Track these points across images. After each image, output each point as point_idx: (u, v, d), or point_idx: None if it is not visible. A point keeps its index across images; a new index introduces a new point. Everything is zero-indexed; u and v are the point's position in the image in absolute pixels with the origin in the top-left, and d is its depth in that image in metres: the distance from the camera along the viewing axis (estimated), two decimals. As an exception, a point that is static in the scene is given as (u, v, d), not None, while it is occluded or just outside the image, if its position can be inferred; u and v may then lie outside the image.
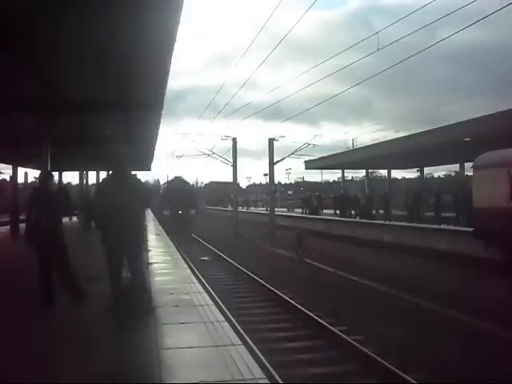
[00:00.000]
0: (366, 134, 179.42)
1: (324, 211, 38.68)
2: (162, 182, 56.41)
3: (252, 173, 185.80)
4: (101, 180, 24.22)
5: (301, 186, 72.78)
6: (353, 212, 32.30)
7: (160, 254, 12.66)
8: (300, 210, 41.36)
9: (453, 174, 51.57)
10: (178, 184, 34.23)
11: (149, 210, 42.21)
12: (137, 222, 6.28)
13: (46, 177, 7.20)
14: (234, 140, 31.34)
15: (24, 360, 4.37)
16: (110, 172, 6.61)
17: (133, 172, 6.87)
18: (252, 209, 58.30)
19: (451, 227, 20.53)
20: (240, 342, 4.76)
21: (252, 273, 14.24)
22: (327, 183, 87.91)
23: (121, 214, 5.86)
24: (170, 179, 39.23)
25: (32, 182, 51.40)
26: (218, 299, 9.73)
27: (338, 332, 7.99)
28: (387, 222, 26.30)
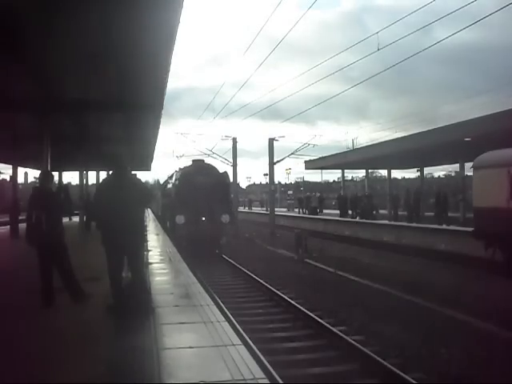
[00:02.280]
0: (365, 134, 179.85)
1: (326, 211, 38.69)
2: (161, 182, 38.14)
3: (252, 173, 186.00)
4: (101, 180, 24.21)
5: (301, 186, 72.79)
6: (350, 212, 32.34)
7: (159, 254, 12.67)
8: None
9: (453, 174, 51.55)
10: (200, 172, 19.41)
11: (149, 210, 42.14)
12: (137, 221, 6.28)
13: (45, 177, 7.20)
14: (234, 140, 31.32)
15: (24, 359, 4.37)
16: (111, 172, 6.61)
17: (133, 172, 6.87)
18: (257, 209, 58.12)
19: (451, 227, 20.52)
20: (240, 342, 4.76)
21: (252, 273, 14.23)
22: (327, 183, 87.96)
23: (121, 213, 5.86)
24: (186, 165, 21.82)
25: (32, 182, 51.59)
26: (218, 299, 9.73)
27: (338, 332, 7.98)
28: (387, 222, 26.31)
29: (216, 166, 20.94)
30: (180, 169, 21.64)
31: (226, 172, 20.57)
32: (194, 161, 21.04)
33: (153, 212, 40.65)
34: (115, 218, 5.88)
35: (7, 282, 8.19)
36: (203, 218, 18.07)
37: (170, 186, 22.97)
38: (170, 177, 24.83)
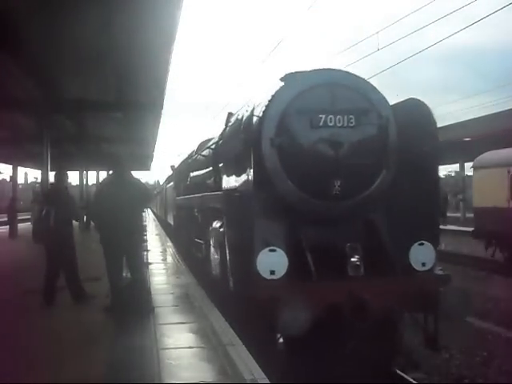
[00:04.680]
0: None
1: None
2: (161, 182, 31.51)
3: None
4: (101, 180, 24.15)
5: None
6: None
7: (160, 254, 12.67)
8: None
9: (453, 174, 51.54)
10: (335, 101, 5.11)
11: (148, 210, 41.99)
12: (136, 221, 6.27)
13: (61, 175, 7.15)
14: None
15: (25, 359, 4.36)
16: (110, 172, 6.61)
17: (132, 172, 6.86)
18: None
19: (451, 227, 20.53)
20: (240, 343, 4.75)
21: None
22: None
23: (120, 213, 5.84)
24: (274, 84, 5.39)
25: (32, 182, 51.55)
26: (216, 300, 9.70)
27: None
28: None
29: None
30: (229, 115, 6.94)
31: (420, 103, 5.50)
32: (288, 75, 5.38)
33: (154, 213, 40.33)
34: (114, 217, 5.86)
35: (7, 282, 8.17)
36: (356, 262, 4.98)
37: (207, 168, 8.33)
38: (202, 146, 10.30)
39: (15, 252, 13.32)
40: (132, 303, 5.87)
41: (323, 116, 5.02)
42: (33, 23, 7.69)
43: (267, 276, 4.58)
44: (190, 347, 4.61)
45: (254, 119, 5.03)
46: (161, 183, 33.63)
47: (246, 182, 4.97)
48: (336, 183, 5.04)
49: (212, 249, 6.35)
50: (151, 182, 61.62)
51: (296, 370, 4.66)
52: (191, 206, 9.49)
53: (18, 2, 6.98)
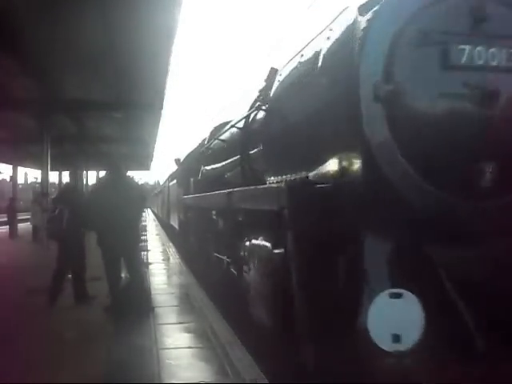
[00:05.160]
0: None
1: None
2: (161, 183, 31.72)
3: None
4: (96, 180, 24.14)
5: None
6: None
7: (160, 254, 12.66)
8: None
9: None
10: None
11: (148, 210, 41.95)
12: (132, 222, 6.22)
13: (73, 175, 7.19)
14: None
15: (25, 358, 4.36)
16: (106, 172, 6.59)
17: (129, 172, 6.88)
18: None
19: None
20: (239, 342, 4.75)
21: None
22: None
23: (116, 214, 5.81)
24: None
25: (32, 182, 51.54)
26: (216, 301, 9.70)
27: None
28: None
29: None
30: None
31: None
32: None
33: (154, 213, 40.21)
34: (110, 218, 5.83)
35: (8, 282, 8.18)
36: None
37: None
38: (217, 131, 8.16)
39: (15, 252, 13.32)
40: (132, 303, 5.86)
41: (466, 48, 2.83)
42: (33, 23, 7.71)
43: (388, 346, 2.54)
44: (189, 347, 4.61)
45: (352, 47, 2.89)
46: (161, 183, 33.31)
47: (335, 166, 3.01)
48: (487, 167, 2.87)
49: (255, 278, 3.97)
50: (151, 182, 61.52)
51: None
52: (207, 206, 7.37)
53: (18, 2, 6.99)
